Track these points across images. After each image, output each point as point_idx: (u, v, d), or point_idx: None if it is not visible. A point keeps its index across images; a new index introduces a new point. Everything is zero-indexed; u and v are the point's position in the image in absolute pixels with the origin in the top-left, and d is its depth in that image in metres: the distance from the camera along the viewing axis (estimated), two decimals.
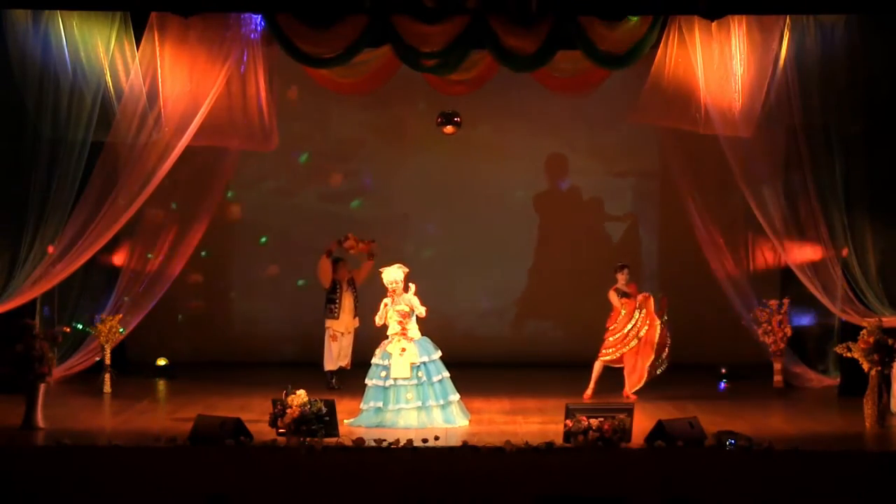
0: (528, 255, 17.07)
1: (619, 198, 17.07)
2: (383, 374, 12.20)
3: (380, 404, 12.14)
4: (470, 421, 12.33)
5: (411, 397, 12.12)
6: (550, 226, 17.08)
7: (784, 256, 14.15)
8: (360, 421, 12.15)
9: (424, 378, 12.16)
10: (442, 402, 12.16)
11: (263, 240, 17.10)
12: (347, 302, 14.37)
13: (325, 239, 14.64)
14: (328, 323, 14.38)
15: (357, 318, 14.39)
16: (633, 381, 13.77)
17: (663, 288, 16.15)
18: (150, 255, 14.89)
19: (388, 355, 12.25)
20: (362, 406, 12.28)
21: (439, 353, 12.38)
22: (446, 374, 12.31)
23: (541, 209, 17.09)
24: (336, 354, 14.35)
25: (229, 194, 16.49)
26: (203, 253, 16.34)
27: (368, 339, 13.14)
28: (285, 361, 16.10)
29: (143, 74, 13.50)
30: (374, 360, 12.37)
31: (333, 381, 14.26)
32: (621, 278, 13.95)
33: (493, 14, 13.12)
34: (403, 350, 12.21)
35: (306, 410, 11.01)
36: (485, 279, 17.01)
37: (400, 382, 12.14)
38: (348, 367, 14.32)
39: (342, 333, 14.33)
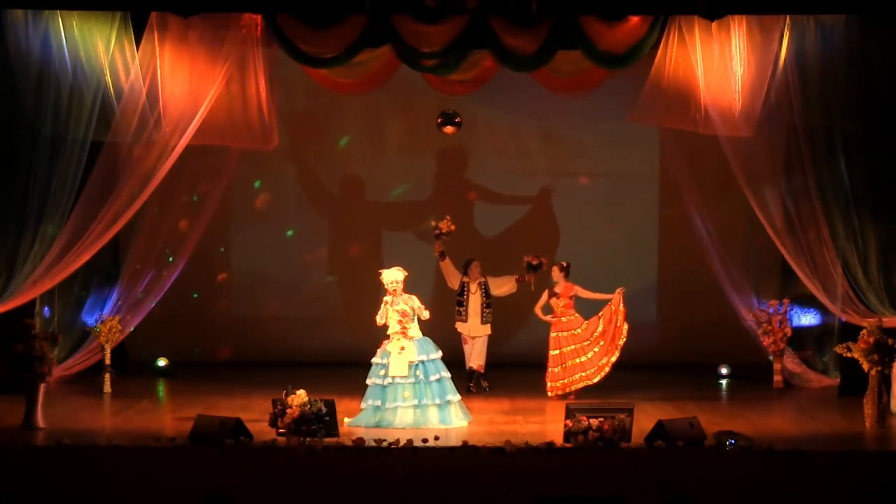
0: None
1: (618, 197, 17.04)
2: (382, 372, 12.21)
3: (378, 403, 12.15)
4: (470, 422, 12.31)
5: (408, 395, 12.11)
6: (550, 225, 17.06)
7: (784, 256, 14.15)
8: (359, 420, 12.15)
9: (422, 377, 12.17)
10: (439, 401, 12.14)
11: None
12: (474, 305, 14.16)
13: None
14: (457, 325, 14.28)
15: (489, 325, 14.21)
16: None
17: (663, 288, 16.18)
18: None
19: (388, 354, 12.25)
20: (362, 405, 12.29)
21: (440, 354, 12.38)
22: (446, 374, 12.30)
23: (540, 208, 17.08)
24: (467, 355, 14.21)
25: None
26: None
27: (372, 340, 13.14)
28: (288, 362, 16.08)
29: (143, 74, 13.50)
30: (374, 360, 12.38)
31: (471, 384, 14.00)
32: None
33: (493, 14, 13.12)
34: (402, 349, 12.21)
35: (306, 410, 11.01)
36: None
37: (398, 381, 12.14)
38: (480, 370, 14.15)
39: (472, 337, 14.20)
